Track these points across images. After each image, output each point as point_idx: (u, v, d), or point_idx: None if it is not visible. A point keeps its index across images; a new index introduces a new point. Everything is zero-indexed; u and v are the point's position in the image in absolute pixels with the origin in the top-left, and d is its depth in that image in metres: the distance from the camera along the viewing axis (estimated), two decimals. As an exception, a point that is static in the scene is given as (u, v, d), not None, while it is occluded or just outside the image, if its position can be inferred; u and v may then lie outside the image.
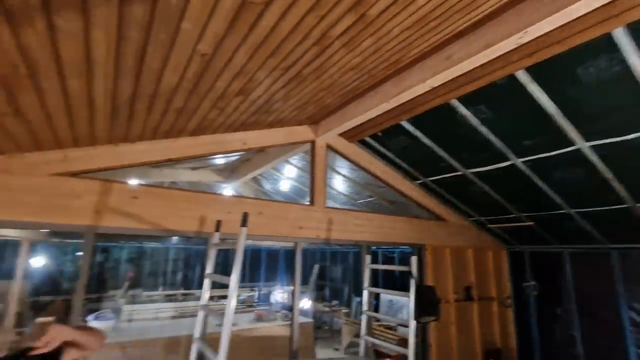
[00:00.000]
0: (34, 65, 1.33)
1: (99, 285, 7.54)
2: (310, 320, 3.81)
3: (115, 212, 2.53)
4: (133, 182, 2.80)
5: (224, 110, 2.54)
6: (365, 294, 3.37)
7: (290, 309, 5.07)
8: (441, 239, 4.39)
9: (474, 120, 2.91)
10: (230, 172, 6.11)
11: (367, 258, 3.44)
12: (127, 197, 2.59)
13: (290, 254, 11.00)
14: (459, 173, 3.70)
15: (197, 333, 2.59)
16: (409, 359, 2.76)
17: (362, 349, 3.25)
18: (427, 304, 3.13)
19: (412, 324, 2.77)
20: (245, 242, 2.26)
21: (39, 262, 6.38)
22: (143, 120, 2.28)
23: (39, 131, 2.01)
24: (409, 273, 3.03)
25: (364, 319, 3.32)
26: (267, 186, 6.93)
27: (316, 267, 8.14)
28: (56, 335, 1.26)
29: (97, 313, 3.26)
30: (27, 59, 1.28)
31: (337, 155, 3.94)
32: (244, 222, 2.26)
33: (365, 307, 3.35)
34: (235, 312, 4.21)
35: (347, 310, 8.03)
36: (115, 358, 2.57)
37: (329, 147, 3.76)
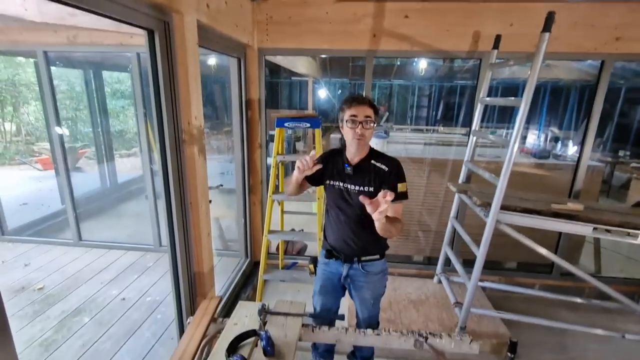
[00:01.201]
0: None
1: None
2: (601, 164, 3.10)
3: (389, 34, 2.55)
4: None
5: None
6: None
7: (548, 154, 4.35)
8: None
9: None
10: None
11: None
12: (398, 16, 2.51)
13: (557, 90, 8.86)
14: None
15: (467, 156, 2.63)
16: None
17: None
18: None
19: None
20: (542, 56, 1.79)
21: (321, 94, 8.26)
22: None
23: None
24: None
25: None
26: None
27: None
28: None
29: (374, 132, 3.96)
30: None
31: None
32: (547, 26, 1.74)
33: None
34: (498, 147, 4.02)
35: (639, 165, 6.15)
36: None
37: None
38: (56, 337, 2.23)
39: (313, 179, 1.66)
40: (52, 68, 3.39)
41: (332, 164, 1.64)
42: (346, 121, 1.49)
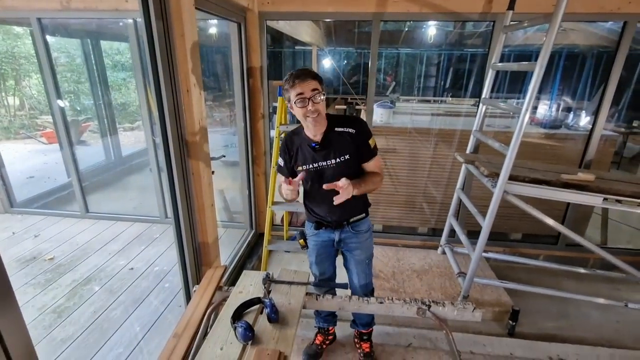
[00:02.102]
0: None
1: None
2: (615, 134, 2.99)
3: (397, -5, 2.41)
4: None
5: None
6: None
7: (560, 124, 4.21)
8: None
9: None
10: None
11: None
12: (407, -25, 2.35)
13: (572, 57, 8.46)
14: None
15: (475, 126, 2.55)
16: None
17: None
18: None
19: None
20: (561, 16, 1.67)
21: (326, 63, 8.07)
22: None
23: None
24: None
25: None
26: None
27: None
28: None
29: (379, 102, 3.86)
30: None
31: None
32: (568, -18, 1.61)
33: None
34: (507, 117, 3.90)
35: (652, 136, 5.98)
36: (399, 139, 3.02)
37: None
38: (68, 305, 2.30)
39: (292, 174, 1.60)
40: (51, 39, 3.30)
41: (297, 148, 1.56)
42: (295, 102, 1.39)
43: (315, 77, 1.40)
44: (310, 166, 1.53)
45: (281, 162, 1.63)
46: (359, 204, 1.67)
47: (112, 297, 2.39)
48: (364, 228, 1.71)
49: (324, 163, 1.51)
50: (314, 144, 1.50)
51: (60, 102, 3.39)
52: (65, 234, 3.26)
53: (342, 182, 1.35)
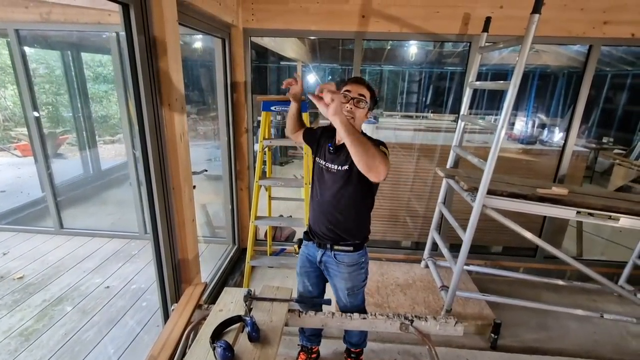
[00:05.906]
0: None
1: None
2: (586, 150, 3.13)
3: (378, 15, 2.48)
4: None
5: None
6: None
7: (535, 140, 4.41)
8: None
9: None
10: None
11: None
12: (388, -3, 2.44)
13: (545, 76, 8.90)
14: None
15: (455, 141, 2.62)
16: None
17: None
18: None
19: None
20: (532, 39, 1.76)
21: (311, 79, 8.19)
22: None
23: None
24: None
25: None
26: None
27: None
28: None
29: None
30: None
31: None
32: (536, 7, 1.70)
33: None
34: (486, 133, 4.03)
35: (621, 151, 6.29)
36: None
37: None
38: (37, 327, 2.18)
39: (309, 136, 1.74)
40: (29, 50, 3.23)
41: (323, 141, 1.64)
42: None
43: (369, 88, 1.49)
44: (321, 162, 1.60)
45: (317, 131, 1.73)
46: (347, 231, 1.57)
47: (86, 317, 2.28)
48: (350, 261, 1.60)
49: (331, 166, 1.55)
50: (330, 144, 1.56)
51: (37, 114, 3.29)
52: (37, 251, 3.11)
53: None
